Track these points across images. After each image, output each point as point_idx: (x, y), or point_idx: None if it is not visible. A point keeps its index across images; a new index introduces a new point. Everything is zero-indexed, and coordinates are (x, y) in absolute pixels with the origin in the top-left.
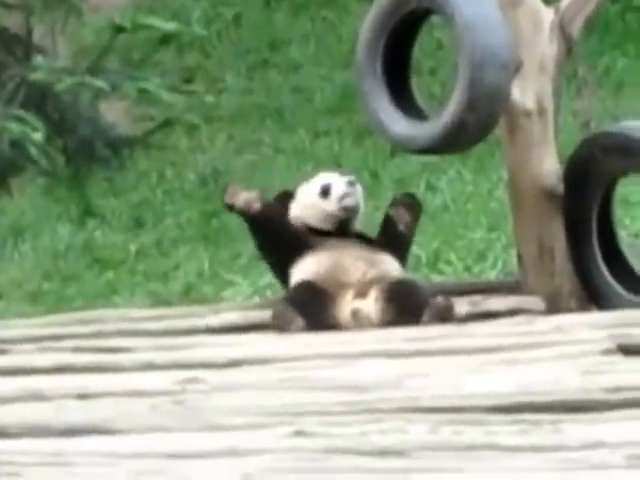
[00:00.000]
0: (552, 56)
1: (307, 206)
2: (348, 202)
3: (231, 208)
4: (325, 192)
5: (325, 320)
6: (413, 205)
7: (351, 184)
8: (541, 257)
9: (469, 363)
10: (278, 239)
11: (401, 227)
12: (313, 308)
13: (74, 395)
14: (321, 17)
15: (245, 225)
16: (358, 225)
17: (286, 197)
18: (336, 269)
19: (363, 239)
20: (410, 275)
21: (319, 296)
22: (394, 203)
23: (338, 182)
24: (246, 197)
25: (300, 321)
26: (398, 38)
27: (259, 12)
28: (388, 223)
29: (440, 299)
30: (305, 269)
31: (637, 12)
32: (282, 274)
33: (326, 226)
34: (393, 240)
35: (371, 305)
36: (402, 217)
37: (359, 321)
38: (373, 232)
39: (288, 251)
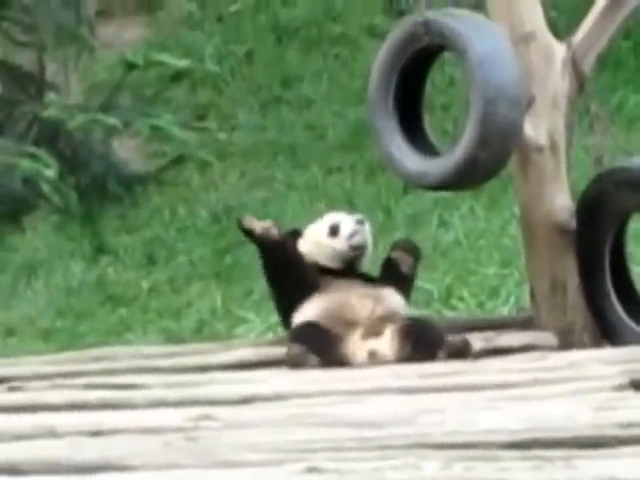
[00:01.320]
0: (564, 92)
1: (316, 244)
2: (357, 240)
3: (248, 234)
4: (334, 231)
5: (335, 357)
6: (413, 249)
7: (360, 222)
8: (553, 293)
9: (482, 399)
10: (290, 270)
11: (404, 268)
12: (323, 346)
13: (87, 432)
14: (333, 54)
15: (258, 256)
16: (368, 263)
17: (294, 235)
18: (342, 308)
19: (366, 278)
20: (415, 311)
21: (325, 336)
22: (394, 247)
23: (347, 221)
24: (264, 224)
25: (315, 359)
26: (410, 74)
27: (271, 49)
28: (391, 265)
29: (457, 338)
30: (310, 310)
31: None
32: (286, 308)
33: (335, 265)
34: (397, 280)
35: (387, 344)
36: (404, 260)
37: (376, 361)
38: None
39: (297, 285)
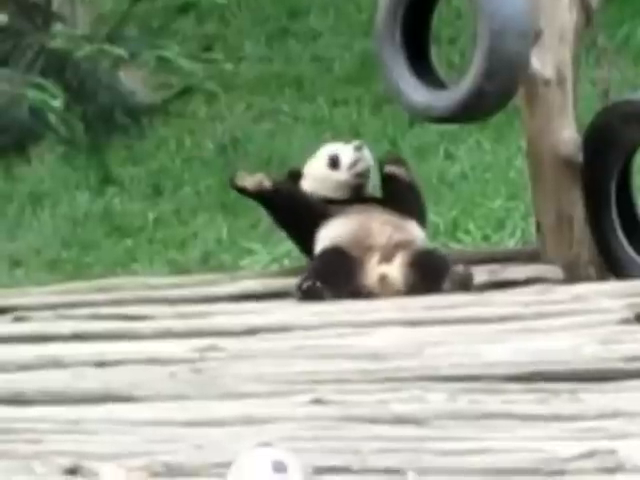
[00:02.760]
0: (571, 25)
1: (318, 179)
2: (359, 167)
3: (242, 191)
4: (334, 162)
5: (352, 287)
6: (400, 160)
7: (358, 149)
8: (560, 226)
9: (487, 332)
10: (296, 212)
11: (402, 176)
12: (339, 277)
13: (92, 363)
14: None
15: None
16: (371, 188)
17: (294, 176)
18: (362, 232)
19: (381, 202)
20: (430, 242)
21: (345, 262)
22: (382, 164)
23: (345, 150)
24: (255, 178)
25: (327, 294)
26: (417, 7)
27: None
28: (388, 179)
29: (460, 268)
30: (329, 234)
31: None
32: (305, 245)
33: (341, 196)
34: (401, 191)
35: (397, 270)
36: (397, 171)
37: (386, 286)
38: None
39: (309, 222)
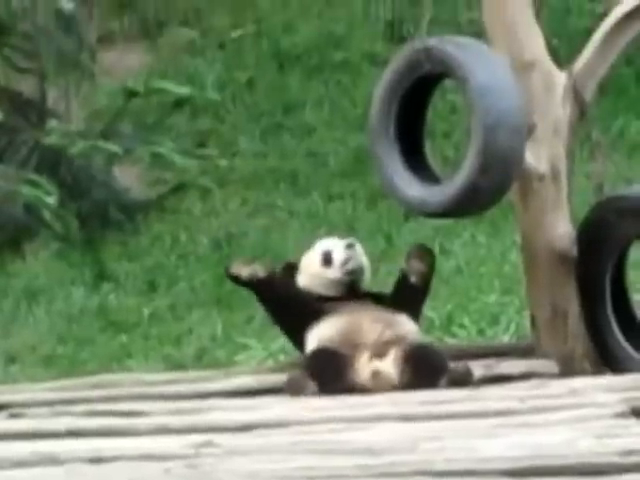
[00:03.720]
0: (565, 119)
1: (312, 275)
2: (350, 266)
3: (236, 280)
4: (327, 260)
5: (342, 385)
6: (425, 254)
7: (350, 247)
8: (554, 320)
9: (482, 427)
10: (288, 305)
11: (414, 279)
12: (329, 374)
13: (87, 459)
14: (335, 81)
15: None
16: (368, 281)
17: (291, 269)
18: (352, 331)
19: (376, 298)
20: (425, 336)
21: (335, 361)
22: (407, 256)
23: (337, 247)
24: (250, 268)
25: (313, 387)
26: (411, 102)
27: (273, 76)
28: (403, 276)
29: (459, 366)
30: (320, 334)
31: None
32: (296, 340)
33: (334, 292)
34: (407, 294)
35: (390, 366)
36: (416, 268)
37: (379, 382)
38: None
39: (299, 318)
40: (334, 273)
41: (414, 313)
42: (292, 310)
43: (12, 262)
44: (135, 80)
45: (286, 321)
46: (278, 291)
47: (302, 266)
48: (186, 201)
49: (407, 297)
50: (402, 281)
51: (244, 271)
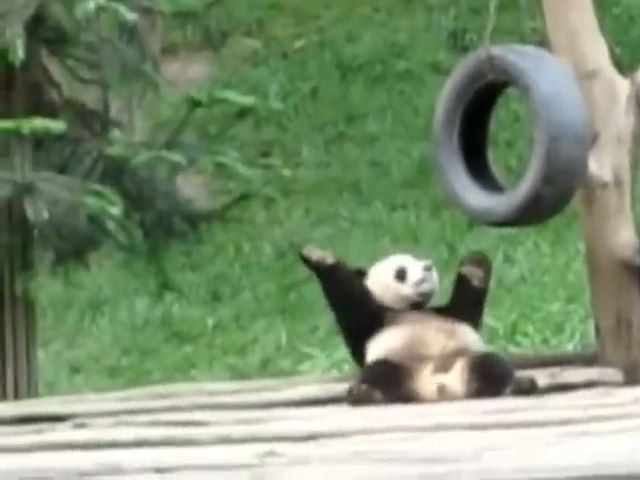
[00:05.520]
0: (629, 127)
1: (382, 286)
2: (425, 288)
3: (306, 261)
4: (401, 275)
5: (403, 395)
6: (483, 261)
7: (427, 269)
8: (619, 329)
9: (547, 435)
10: (347, 299)
11: (475, 282)
12: (391, 385)
13: (151, 469)
14: (397, 90)
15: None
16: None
17: (359, 274)
18: (416, 343)
19: (436, 309)
20: (487, 345)
21: (396, 373)
22: (463, 262)
23: (414, 266)
24: (321, 252)
25: (378, 396)
26: (475, 110)
27: (335, 86)
28: (461, 281)
29: (525, 377)
30: (383, 345)
31: None
32: (353, 340)
33: (400, 307)
34: (468, 299)
35: (456, 379)
36: (474, 273)
37: (445, 396)
38: None
39: (357, 315)
40: (406, 290)
41: (475, 319)
42: (351, 305)
43: (76, 273)
44: (198, 90)
45: (343, 315)
46: (342, 282)
47: (371, 274)
48: (250, 211)
49: (468, 302)
50: (461, 286)
51: (315, 254)
